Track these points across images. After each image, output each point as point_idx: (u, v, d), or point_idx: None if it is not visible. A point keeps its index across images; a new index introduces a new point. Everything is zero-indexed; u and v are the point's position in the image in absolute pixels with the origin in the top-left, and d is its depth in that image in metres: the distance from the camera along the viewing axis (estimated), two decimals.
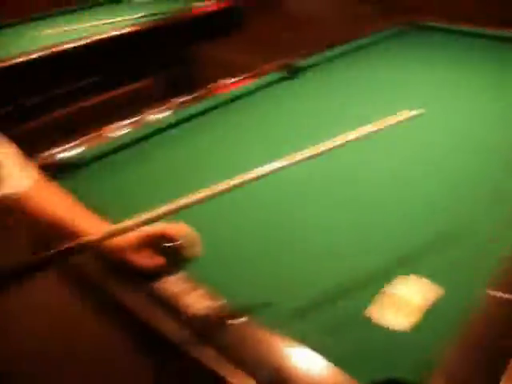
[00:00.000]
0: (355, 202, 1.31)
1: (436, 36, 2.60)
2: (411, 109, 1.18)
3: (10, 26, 3.53)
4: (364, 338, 0.91)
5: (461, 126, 1.68)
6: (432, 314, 0.93)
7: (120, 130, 1.72)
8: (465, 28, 2.57)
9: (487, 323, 0.90)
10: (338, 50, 2.32)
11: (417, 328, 0.91)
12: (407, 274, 1.03)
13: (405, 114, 1.16)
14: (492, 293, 0.95)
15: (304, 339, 0.87)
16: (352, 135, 1.06)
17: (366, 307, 0.96)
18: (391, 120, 1.13)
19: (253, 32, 4.36)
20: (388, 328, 0.92)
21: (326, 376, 0.82)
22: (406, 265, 1.07)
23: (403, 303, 0.97)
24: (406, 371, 0.80)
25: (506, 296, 0.95)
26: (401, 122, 1.14)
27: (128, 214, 0.99)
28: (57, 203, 1.09)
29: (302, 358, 0.85)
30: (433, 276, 1.01)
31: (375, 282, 1.02)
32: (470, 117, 1.74)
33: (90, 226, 1.02)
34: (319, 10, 4.76)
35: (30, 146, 1.64)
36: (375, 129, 1.09)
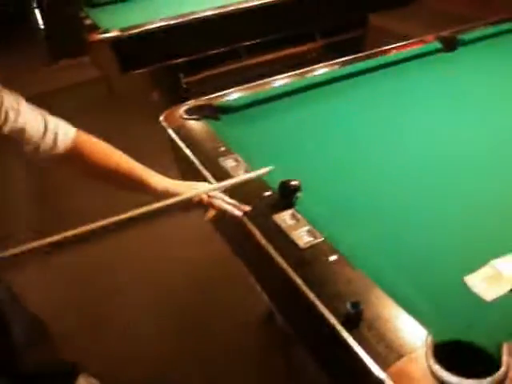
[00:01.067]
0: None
1: None
2: None
3: None
4: (452, 298, 0.96)
5: None
6: None
7: (282, 81, 1.87)
8: None
9: None
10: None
11: (505, 301, 0.93)
12: None
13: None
14: None
15: (395, 285, 0.95)
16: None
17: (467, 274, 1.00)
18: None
19: (430, 6, 4.22)
20: (477, 295, 0.95)
21: (400, 323, 0.88)
22: None
23: (498, 277, 0.99)
24: (480, 337, 0.84)
25: None
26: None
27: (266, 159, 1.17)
28: (112, 156, 1.22)
29: (381, 301, 0.92)
30: None
31: (485, 253, 1.04)
32: None
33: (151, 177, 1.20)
34: None
35: (205, 91, 1.87)
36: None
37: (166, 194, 1.17)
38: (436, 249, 1.09)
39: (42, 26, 5.26)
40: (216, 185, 1.22)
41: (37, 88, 4.59)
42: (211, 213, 1.21)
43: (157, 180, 1.22)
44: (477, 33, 2.12)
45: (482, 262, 1.02)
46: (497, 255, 1.03)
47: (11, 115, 1.07)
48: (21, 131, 1.09)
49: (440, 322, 0.88)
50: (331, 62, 1.99)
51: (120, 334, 2.10)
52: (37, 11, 5.26)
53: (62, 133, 1.16)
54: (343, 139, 1.56)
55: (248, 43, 3.46)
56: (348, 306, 0.87)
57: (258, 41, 3.45)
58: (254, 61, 3.62)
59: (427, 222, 1.18)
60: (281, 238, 1.07)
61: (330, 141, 1.55)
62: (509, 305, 0.93)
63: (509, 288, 0.96)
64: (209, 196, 1.20)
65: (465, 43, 2.05)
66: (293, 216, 1.12)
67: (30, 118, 1.11)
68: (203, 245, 2.33)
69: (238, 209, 1.17)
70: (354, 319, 0.87)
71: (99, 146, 1.22)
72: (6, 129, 1.07)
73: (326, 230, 1.08)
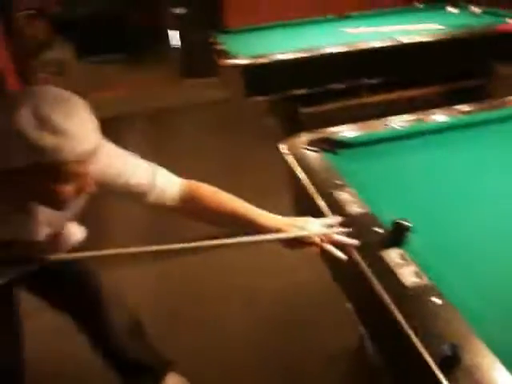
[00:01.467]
0: None
1: None
2: None
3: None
4: None
5: None
6: None
7: (401, 122, 1.92)
8: None
9: None
10: None
11: None
12: None
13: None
14: None
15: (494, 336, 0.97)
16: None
17: None
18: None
19: None
20: None
21: (496, 375, 0.90)
22: None
23: None
24: None
25: None
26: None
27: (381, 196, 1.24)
28: (224, 204, 1.31)
29: (479, 349, 0.95)
30: None
31: None
32: None
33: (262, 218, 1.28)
34: None
35: (321, 123, 1.97)
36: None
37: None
38: None
39: (178, 46, 5.70)
40: (324, 230, 1.27)
41: (165, 102, 4.99)
42: (317, 250, 1.27)
43: (267, 219, 1.29)
44: None
45: None
46: None
47: (111, 176, 1.24)
48: (123, 187, 1.26)
49: None
50: (452, 109, 2.01)
51: (209, 343, 2.23)
52: (174, 32, 5.72)
53: (169, 185, 1.31)
54: (456, 188, 1.58)
55: (369, 81, 3.55)
56: (445, 347, 0.91)
57: (379, 80, 3.53)
58: (373, 99, 3.69)
59: None
60: (386, 274, 1.13)
61: (442, 187, 1.58)
62: None
63: None
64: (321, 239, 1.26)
65: None
66: (400, 255, 1.18)
67: (134, 176, 1.27)
68: (292, 273, 2.46)
69: (347, 248, 1.23)
70: (451, 362, 0.90)
71: (209, 194, 1.34)
72: (108, 188, 1.25)
73: (431, 272, 1.13)
